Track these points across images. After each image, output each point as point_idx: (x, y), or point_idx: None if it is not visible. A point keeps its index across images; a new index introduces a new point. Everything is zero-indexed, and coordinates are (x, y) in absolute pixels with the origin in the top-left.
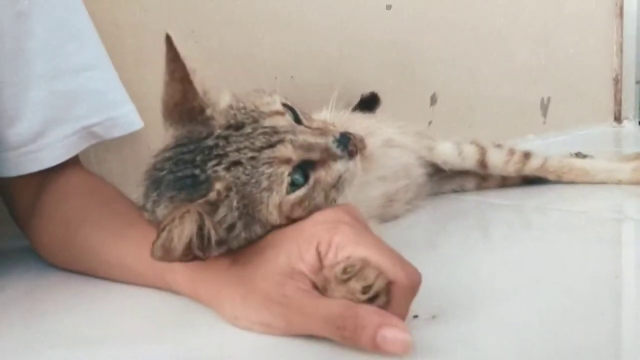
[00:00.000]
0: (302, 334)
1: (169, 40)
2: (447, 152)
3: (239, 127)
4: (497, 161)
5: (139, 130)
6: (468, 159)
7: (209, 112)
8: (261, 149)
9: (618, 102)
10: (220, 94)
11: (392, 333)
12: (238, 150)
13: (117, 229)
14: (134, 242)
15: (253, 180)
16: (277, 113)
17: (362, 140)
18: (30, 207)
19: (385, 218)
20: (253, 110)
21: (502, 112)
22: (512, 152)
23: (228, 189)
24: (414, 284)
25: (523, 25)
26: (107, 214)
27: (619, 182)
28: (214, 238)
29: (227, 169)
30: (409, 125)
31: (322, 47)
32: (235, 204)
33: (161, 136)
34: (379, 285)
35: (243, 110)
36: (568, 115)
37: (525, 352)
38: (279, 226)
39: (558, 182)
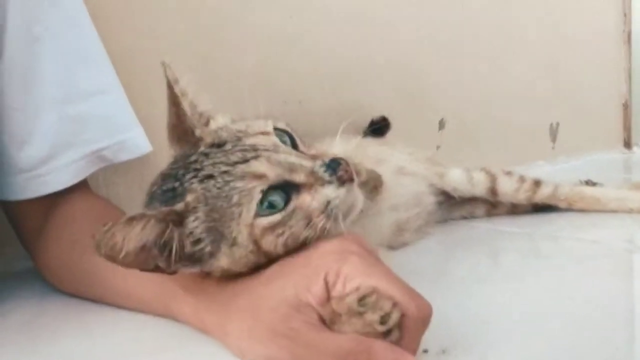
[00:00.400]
0: None
1: (163, 67)
2: (458, 180)
3: (220, 144)
4: (508, 189)
5: (148, 153)
6: (478, 186)
7: (197, 132)
8: (235, 163)
9: (627, 128)
10: (217, 116)
11: None
12: (214, 164)
13: None
14: (139, 273)
15: (224, 194)
16: (263, 133)
17: (357, 169)
18: (38, 230)
19: (394, 246)
20: (240, 131)
21: (511, 137)
22: (522, 179)
23: (198, 200)
24: (425, 317)
25: (531, 51)
26: None
27: (630, 211)
28: (174, 249)
29: (201, 181)
30: (420, 151)
31: (330, 71)
32: (203, 216)
33: (168, 159)
34: (395, 316)
35: (230, 131)
36: (577, 141)
37: None
38: (286, 255)
39: (569, 209)
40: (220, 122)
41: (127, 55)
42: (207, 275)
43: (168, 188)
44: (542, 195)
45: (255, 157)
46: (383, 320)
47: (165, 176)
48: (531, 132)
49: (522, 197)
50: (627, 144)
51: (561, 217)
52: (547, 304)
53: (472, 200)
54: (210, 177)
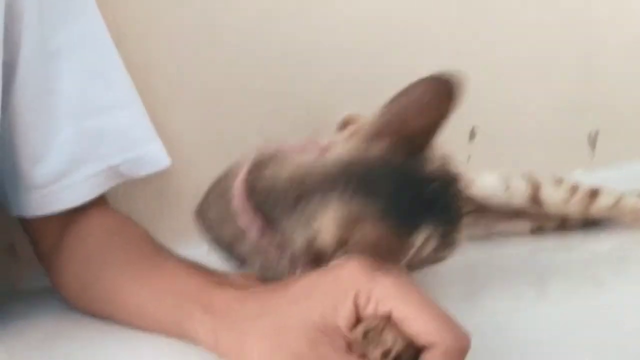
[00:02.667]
0: None
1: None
2: (490, 187)
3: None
4: (555, 199)
5: (167, 168)
6: (517, 195)
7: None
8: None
9: None
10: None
11: None
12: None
13: (139, 272)
14: (155, 288)
15: None
16: None
17: None
18: (54, 247)
19: None
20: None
21: (547, 146)
22: (574, 188)
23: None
24: (462, 349)
25: (566, 56)
26: (129, 256)
27: None
28: None
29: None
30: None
31: (356, 76)
32: None
33: (189, 173)
34: (397, 348)
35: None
36: (617, 149)
37: None
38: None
39: (632, 226)
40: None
41: (145, 68)
42: (230, 293)
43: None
44: (600, 207)
45: None
46: (384, 356)
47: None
48: (569, 141)
49: (573, 209)
50: None
51: (622, 235)
52: (598, 336)
53: (514, 213)
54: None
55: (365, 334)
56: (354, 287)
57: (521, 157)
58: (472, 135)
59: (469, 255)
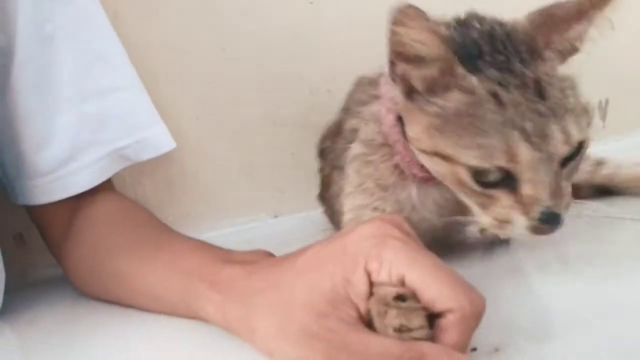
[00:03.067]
0: None
1: None
2: None
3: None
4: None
5: (173, 152)
6: None
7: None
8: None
9: None
10: None
11: None
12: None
13: (146, 253)
14: (163, 268)
15: None
16: None
17: None
18: (63, 234)
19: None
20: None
21: None
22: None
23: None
24: (478, 313)
25: None
26: (136, 239)
27: None
28: None
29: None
30: None
31: (358, 58)
32: None
33: (194, 157)
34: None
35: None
36: (629, 118)
37: None
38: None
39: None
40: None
41: (148, 52)
42: (237, 268)
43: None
44: (601, 176)
45: None
46: (401, 328)
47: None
48: None
49: (581, 177)
50: None
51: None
52: (616, 299)
53: None
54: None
55: (385, 301)
56: (363, 253)
57: None
58: None
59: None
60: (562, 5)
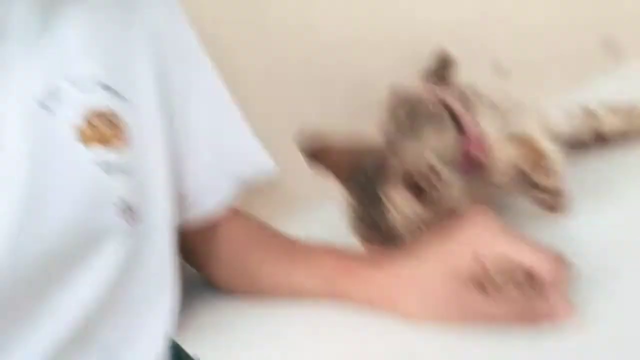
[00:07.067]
0: (474, 324)
1: None
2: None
3: None
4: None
5: None
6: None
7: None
8: None
9: None
10: None
11: (563, 311)
12: None
13: (280, 260)
14: (299, 269)
15: None
16: None
17: None
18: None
19: None
20: None
21: (566, 61)
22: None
23: None
24: (563, 269)
25: None
26: (267, 248)
27: None
28: None
29: None
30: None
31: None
32: None
33: None
34: (527, 285)
35: None
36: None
37: None
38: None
39: None
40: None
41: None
42: (369, 262)
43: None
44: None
45: None
46: (521, 291)
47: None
48: (586, 51)
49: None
50: None
51: None
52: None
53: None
54: None
55: (503, 273)
56: (472, 242)
57: (544, 76)
58: (497, 68)
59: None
60: None
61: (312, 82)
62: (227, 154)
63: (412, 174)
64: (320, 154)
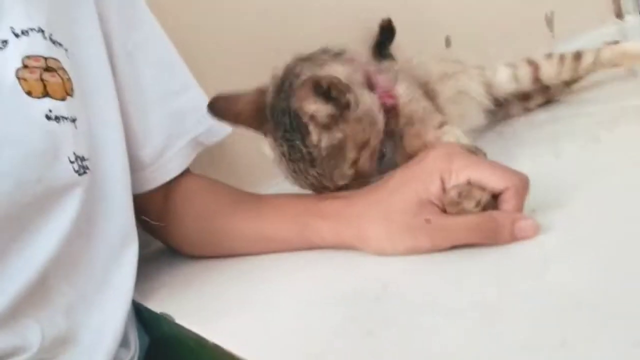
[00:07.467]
0: (443, 248)
1: None
2: (506, 82)
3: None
4: (551, 73)
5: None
6: (524, 80)
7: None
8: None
9: (616, 0)
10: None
11: (525, 223)
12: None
13: (249, 212)
14: (270, 216)
15: None
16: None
17: None
18: (161, 212)
19: None
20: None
21: (512, 35)
22: (562, 58)
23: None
24: (525, 185)
25: None
26: (237, 199)
27: None
28: None
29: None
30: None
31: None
32: None
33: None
34: (485, 199)
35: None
36: (573, 24)
37: None
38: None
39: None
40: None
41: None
42: (338, 201)
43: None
44: (585, 66)
45: None
46: (477, 204)
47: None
48: (530, 25)
49: (566, 76)
50: (619, 15)
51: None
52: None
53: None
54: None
55: (460, 194)
56: (438, 169)
57: (493, 53)
58: (447, 43)
59: (495, 129)
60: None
61: (262, 52)
62: (179, 113)
63: (320, 81)
64: (226, 110)
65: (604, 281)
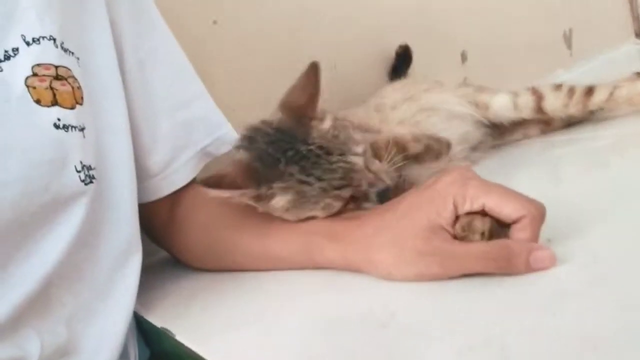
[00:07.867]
0: (454, 275)
1: (315, 67)
2: (503, 108)
3: (328, 152)
4: (556, 105)
5: None
6: (525, 109)
7: (313, 124)
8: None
9: (636, 19)
10: (326, 114)
11: (542, 253)
12: (318, 178)
13: (256, 228)
14: (276, 233)
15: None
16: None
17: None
18: (167, 222)
19: None
20: (343, 144)
21: (529, 53)
22: (572, 91)
23: (284, 190)
24: (542, 213)
25: None
26: (245, 215)
27: None
28: None
29: (300, 181)
30: (464, 86)
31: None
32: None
33: None
34: (488, 227)
35: (335, 140)
36: (592, 43)
37: None
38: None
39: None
40: (329, 123)
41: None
42: (348, 222)
43: (270, 155)
44: (597, 102)
45: (347, 186)
46: (482, 236)
47: (272, 141)
48: (548, 43)
49: (573, 110)
50: (638, 35)
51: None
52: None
53: (523, 122)
54: (307, 183)
55: (463, 228)
56: (451, 193)
57: (509, 70)
58: (463, 58)
59: (494, 155)
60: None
61: (279, 66)
62: (188, 123)
63: None
64: (217, 183)
65: (624, 322)
